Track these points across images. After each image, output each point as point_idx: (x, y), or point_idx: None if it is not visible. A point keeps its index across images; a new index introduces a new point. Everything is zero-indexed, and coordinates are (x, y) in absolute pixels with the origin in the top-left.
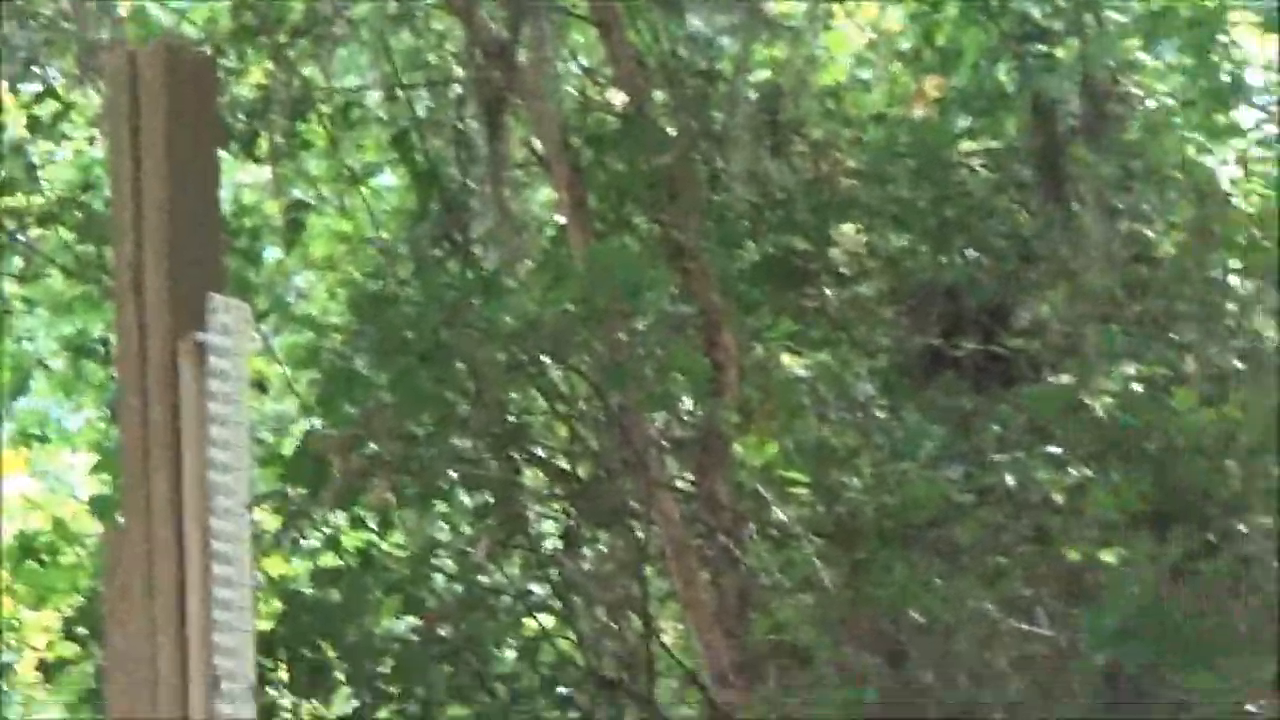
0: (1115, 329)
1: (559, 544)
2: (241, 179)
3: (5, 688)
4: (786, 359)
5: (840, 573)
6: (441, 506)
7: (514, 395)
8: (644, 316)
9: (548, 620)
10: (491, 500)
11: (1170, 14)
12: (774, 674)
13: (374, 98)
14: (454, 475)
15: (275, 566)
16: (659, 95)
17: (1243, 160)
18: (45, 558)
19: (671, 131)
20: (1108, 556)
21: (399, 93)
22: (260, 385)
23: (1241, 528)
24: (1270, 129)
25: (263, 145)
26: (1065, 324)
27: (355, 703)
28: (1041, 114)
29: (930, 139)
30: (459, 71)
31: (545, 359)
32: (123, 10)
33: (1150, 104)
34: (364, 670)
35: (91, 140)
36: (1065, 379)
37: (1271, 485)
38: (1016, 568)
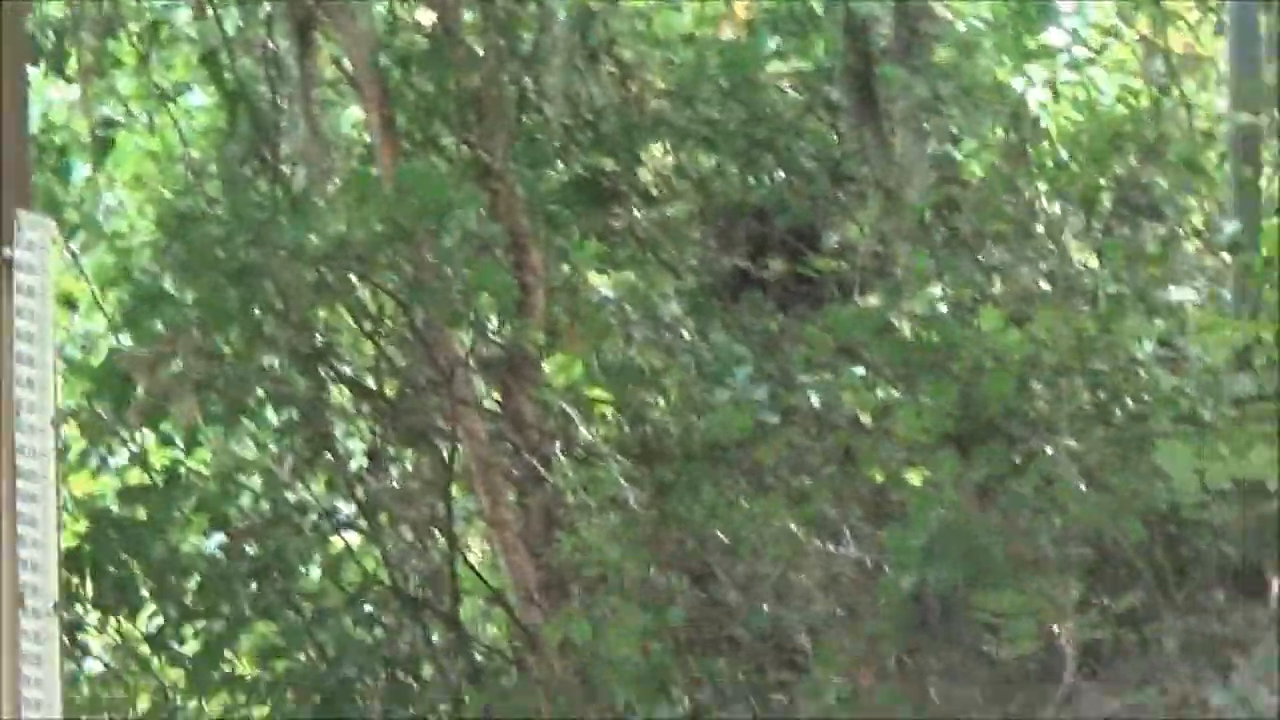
0: (924, 250)
1: (365, 462)
2: (51, 96)
3: None
4: (594, 279)
5: (646, 493)
6: (248, 424)
7: (321, 314)
8: (451, 236)
9: (353, 538)
10: (298, 418)
11: None
12: (579, 593)
13: (183, 16)
14: (261, 393)
15: (82, 484)
16: (468, 15)
17: (1052, 83)
18: None
19: (480, 51)
20: (913, 477)
21: (209, 11)
22: (68, 302)
23: (1047, 449)
24: (1079, 51)
25: (72, 63)
26: (874, 245)
27: (161, 619)
28: (852, 35)
29: (740, 60)
30: None
31: (353, 278)
32: None
33: (961, 26)
34: (170, 587)
35: None
36: (873, 300)
37: (1077, 406)
38: (822, 488)
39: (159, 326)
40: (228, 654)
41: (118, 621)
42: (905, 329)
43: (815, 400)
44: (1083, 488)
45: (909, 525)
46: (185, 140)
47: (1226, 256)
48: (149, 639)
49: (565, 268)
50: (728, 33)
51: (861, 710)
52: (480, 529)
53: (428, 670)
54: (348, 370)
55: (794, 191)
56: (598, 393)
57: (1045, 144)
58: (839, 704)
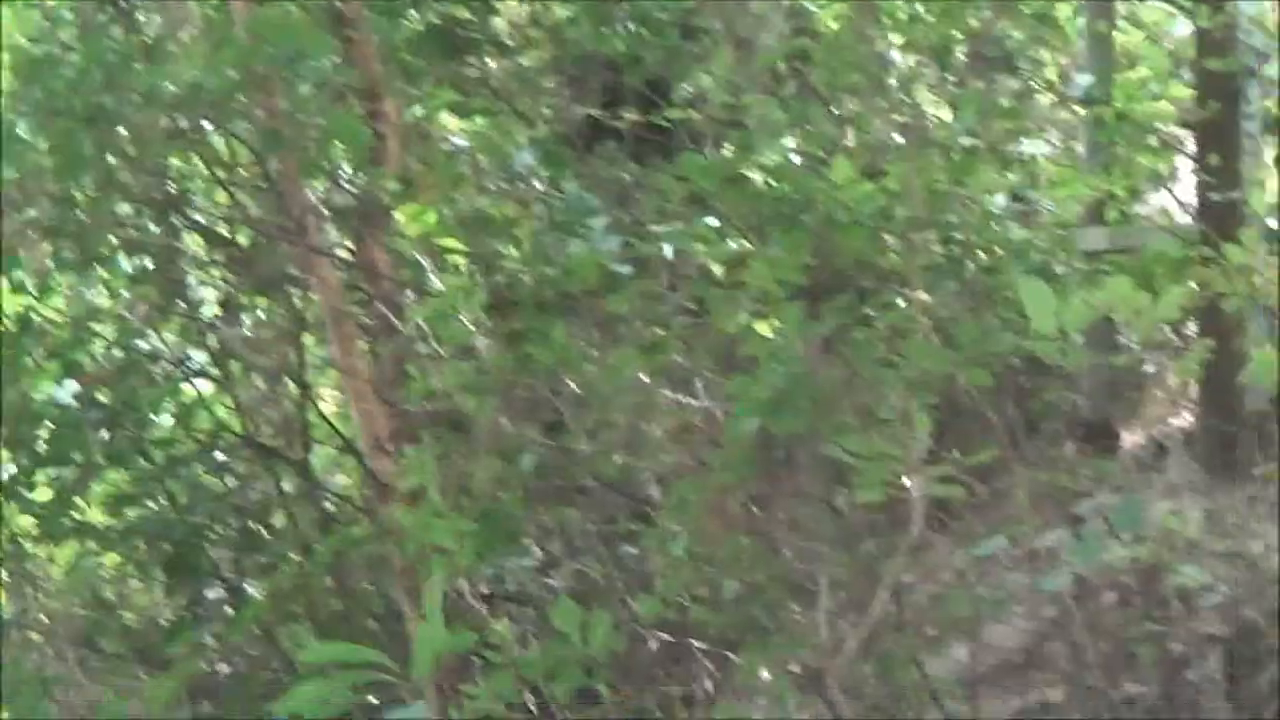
0: (776, 101)
1: (217, 310)
2: None
3: None
4: (447, 128)
5: (498, 342)
6: (101, 271)
7: (174, 161)
8: (305, 83)
9: (205, 386)
10: (151, 266)
11: None
12: (430, 442)
13: None
14: (114, 240)
15: None
16: None
17: None
18: None
19: None
20: (763, 328)
21: None
22: None
23: (899, 301)
24: None
25: None
26: (726, 96)
27: (12, 468)
28: None
29: None
30: None
31: (206, 125)
32: None
33: None
34: (21, 434)
35: None
36: (725, 151)
37: (928, 259)
38: (673, 339)
39: (10, 171)
40: (79, 502)
41: None
42: (757, 180)
43: (668, 251)
44: (933, 340)
45: (756, 376)
46: None
47: (1079, 110)
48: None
49: (419, 117)
50: None
51: (710, 560)
52: (332, 377)
53: (279, 519)
54: (200, 218)
55: (646, 43)
56: (450, 242)
57: None
58: (687, 554)
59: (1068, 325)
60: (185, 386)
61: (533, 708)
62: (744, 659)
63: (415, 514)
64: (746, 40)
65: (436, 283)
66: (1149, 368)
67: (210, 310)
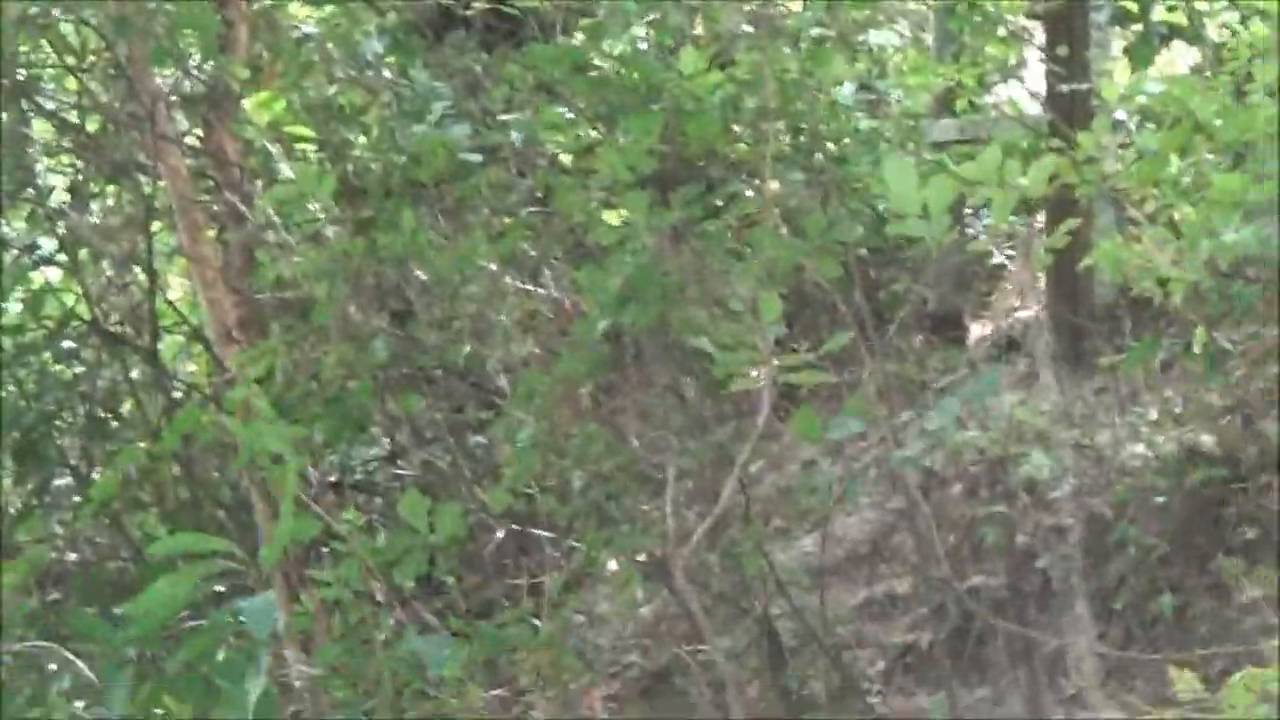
0: None
1: (66, 197)
2: None
3: None
4: (296, 16)
5: (347, 229)
6: None
7: (23, 48)
8: None
9: (54, 274)
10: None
11: None
12: (278, 330)
13: None
14: None
15: None
16: None
17: None
18: None
19: None
20: (612, 218)
21: None
22: None
23: (748, 192)
24: None
25: None
26: None
27: None
28: None
29: None
30: None
31: (55, 12)
32: None
33: None
34: None
35: None
36: (575, 40)
37: (777, 149)
38: (521, 227)
39: None
40: None
41: None
42: (606, 68)
43: (516, 139)
44: (782, 230)
45: (605, 265)
46: None
47: (929, 0)
48: None
49: (268, 4)
50: None
51: (558, 450)
52: (181, 265)
53: (127, 406)
54: (50, 105)
55: None
56: (299, 130)
57: None
58: (535, 444)
59: (931, 203)
60: (34, 274)
61: (380, 596)
62: (590, 548)
63: (248, 424)
64: None
65: (286, 170)
66: (998, 259)
67: (59, 197)
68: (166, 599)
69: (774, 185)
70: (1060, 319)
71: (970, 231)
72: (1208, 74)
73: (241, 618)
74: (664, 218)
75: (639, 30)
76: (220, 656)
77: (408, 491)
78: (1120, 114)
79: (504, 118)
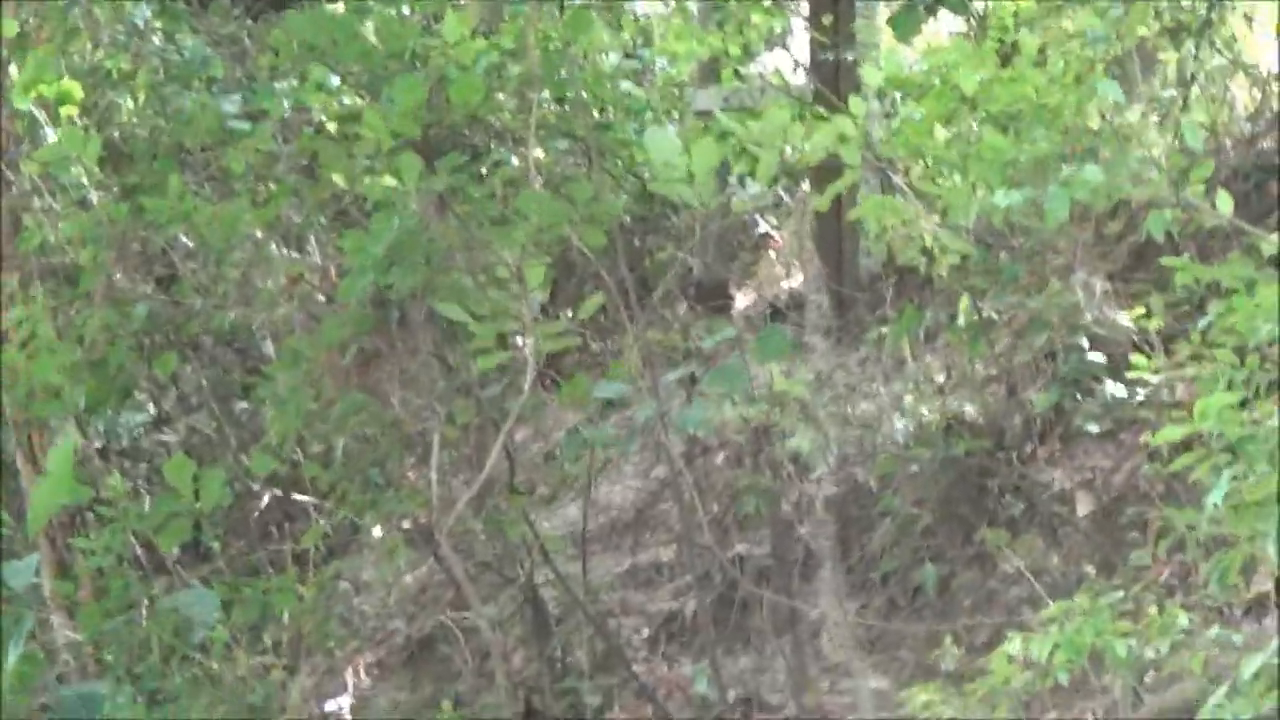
0: None
1: None
2: None
3: None
4: None
5: (112, 195)
6: None
7: None
8: None
9: None
10: None
11: None
12: (43, 293)
13: None
14: None
15: None
16: None
17: None
18: None
19: None
20: (376, 185)
21: None
22: None
23: (512, 159)
24: None
25: None
26: None
27: None
28: None
29: None
30: None
31: None
32: None
33: None
34: None
35: None
36: (340, 7)
37: (542, 116)
38: (285, 193)
39: None
40: None
41: None
42: (370, 35)
43: (284, 106)
44: (546, 196)
45: (369, 232)
46: None
47: None
48: None
49: None
50: None
51: (322, 416)
52: None
53: None
54: None
55: None
56: (66, 93)
57: None
58: (299, 410)
59: (695, 168)
60: None
61: (145, 562)
62: (355, 514)
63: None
64: None
65: (51, 135)
66: (762, 229)
67: None
68: None
69: (538, 153)
70: (825, 289)
71: (734, 200)
72: (972, 44)
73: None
74: (430, 183)
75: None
76: None
77: (173, 457)
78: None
79: (270, 85)
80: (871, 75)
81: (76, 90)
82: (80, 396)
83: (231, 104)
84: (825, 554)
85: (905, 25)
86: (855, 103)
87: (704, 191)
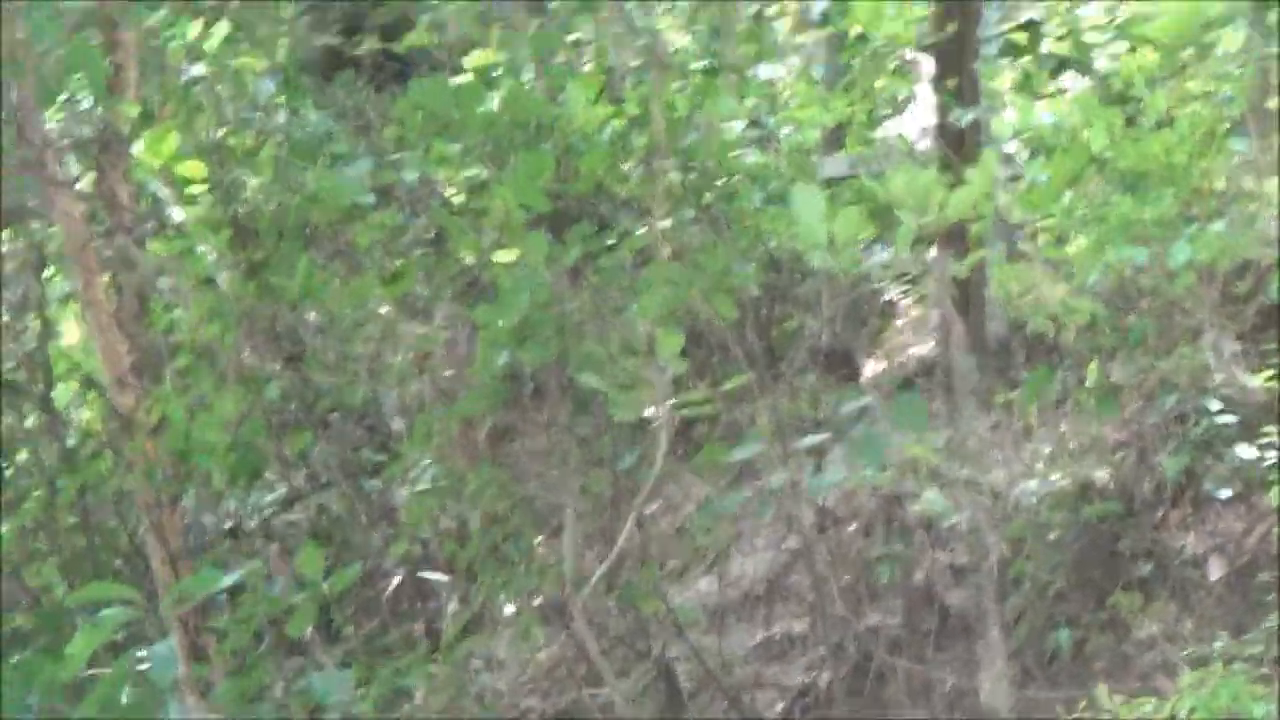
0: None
1: None
2: None
3: None
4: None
5: (239, 272)
6: None
7: None
8: (41, 11)
9: None
10: None
11: None
12: (172, 375)
13: None
14: None
15: None
16: None
17: None
18: None
19: None
20: (505, 257)
21: None
22: None
23: (639, 229)
24: None
25: None
26: (466, 23)
27: None
28: None
29: None
30: None
31: None
32: None
33: None
34: None
35: None
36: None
37: (668, 185)
38: (414, 267)
39: None
40: None
41: None
42: (496, 103)
43: (409, 179)
44: (677, 267)
45: (500, 305)
46: None
47: (818, 32)
48: None
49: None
50: None
51: (455, 492)
52: (74, 311)
53: (22, 454)
54: None
55: None
56: (190, 171)
57: None
58: (433, 487)
59: (838, 234)
60: None
61: (278, 643)
62: (488, 592)
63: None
64: None
65: (177, 214)
66: (890, 296)
67: None
68: (84, 650)
69: (665, 223)
70: (954, 355)
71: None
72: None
73: (144, 665)
74: (560, 255)
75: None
76: (125, 703)
77: (305, 546)
78: (1009, 147)
79: (395, 156)
80: (1002, 127)
81: (200, 168)
82: (214, 478)
83: (357, 178)
84: (990, 620)
85: (1030, 86)
86: (988, 156)
87: (846, 259)
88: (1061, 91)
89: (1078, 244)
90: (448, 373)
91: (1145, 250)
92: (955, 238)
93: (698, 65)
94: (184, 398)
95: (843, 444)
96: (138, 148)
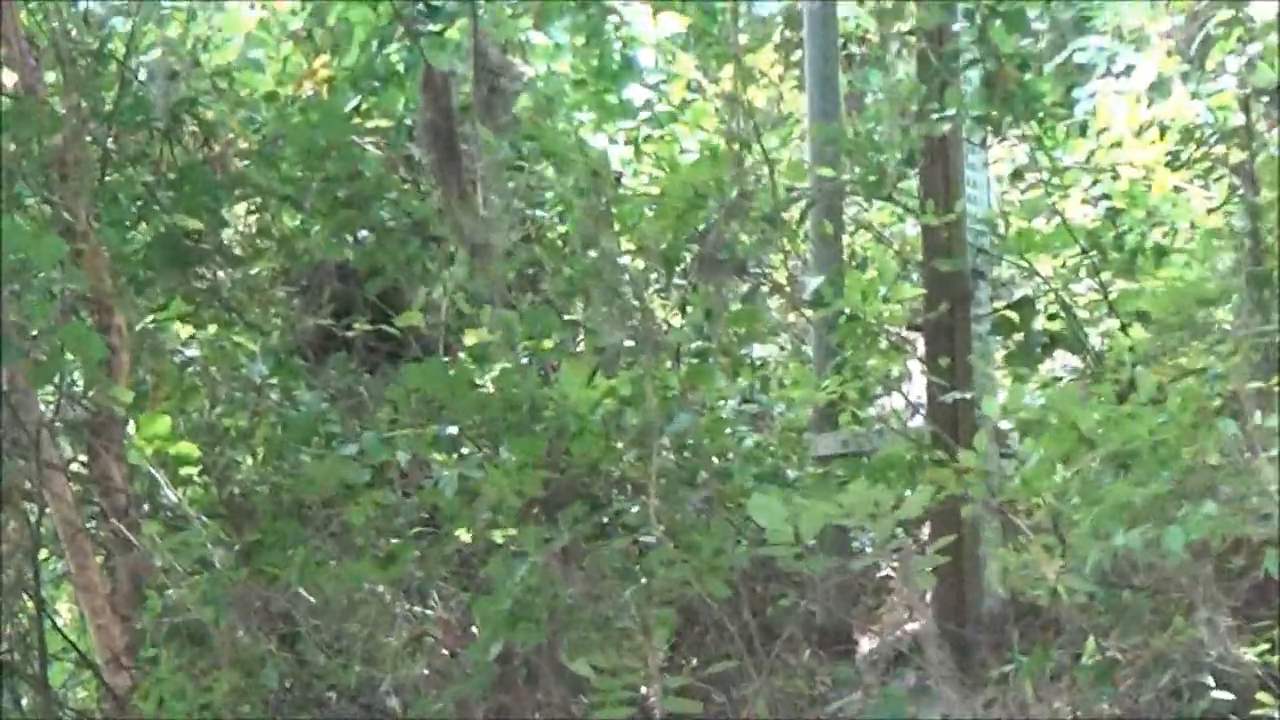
0: (507, 312)
1: None
2: None
3: None
4: (179, 336)
5: (233, 554)
6: None
7: None
8: (34, 294)
9: None
10: None
11: None
12: (168, 656)
13: None
14: None
15: None
16: (50, 75)
17: (634, 140)
18: None
19: (62, 111)
20: (499, 537)
21: None
22: None
23: (633, 509)
24: (661, 108)
25: None
26: (462, 303)
27: None
28: (432, 92)
29: (322, 119)
30: None
31: None
32: None
33: (541, 83)
34: None
35: None
36: (459, 358)
37: (661, 465)
38: (409, 549)
39: None
40: None
41: None
42: (489, 385)
43: (402, 459)
44: (669, 547)
45: (494, 589)
46: None
47: (809, 312)
48: None
49: (151, 328)
50: (308, 90)
51: None
52: (69, 592)
53: None
54: None
55: (385, 251)
56: (183, 454)
57: (627, 202)
58: None
59: (803, 533)
60: None
61: None
62: None
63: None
64: (479, 246)
65: (171, 495)
66: (884, 572)
67: None
68: None
69: (658, 502)
70: (948, 631)
71: (856, 545)
72: (1089, 381)
73: None
74: (553, 539)
75: (520, 349)
76: None
77: None
78: (1003, 424)
79: (389, 435)
80: (990, 406)
81: (194, 449)
82: None
83: (350, 457)
84: None
85: (1022, 364)
86: (979, 438)
87: (816, 563)
88: (1056, 380)
89: (1072, 522)
90: (442, 653)
91: (1139, 536)
92: (950, 513)
93: (690, 345)
94: (179, 679)
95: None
96: (131, 429)
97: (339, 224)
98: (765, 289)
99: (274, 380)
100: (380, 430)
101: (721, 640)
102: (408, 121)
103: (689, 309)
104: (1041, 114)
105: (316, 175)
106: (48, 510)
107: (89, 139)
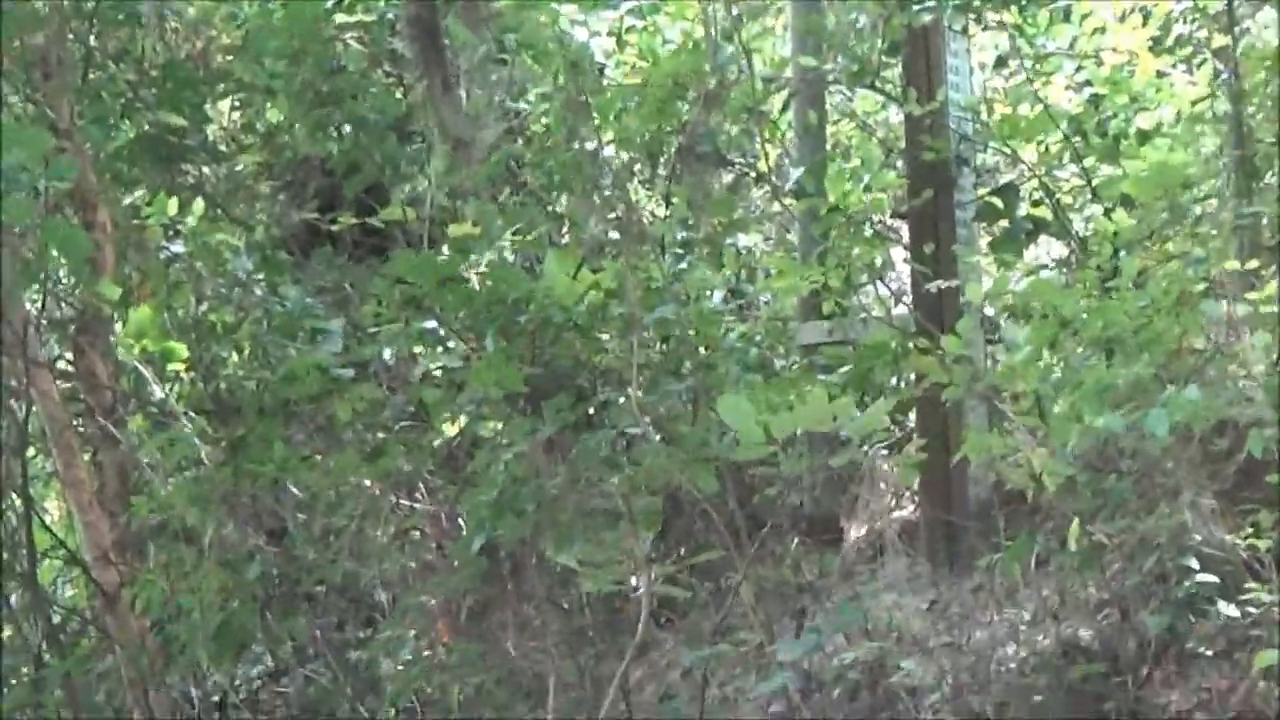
0: (490, 204)
1: None
2: None
3: None
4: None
5: (220, 450)
6: None
7: None
8: (19, 191)
9: None
10: None
11: None
12: (155, 552)
13: None
14: None
15: None
16: None
17: (615, 32)
18: None
19: (44, 10)
20: (484, 431)
21: None
22: None
23: (619, 400)
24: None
25: None
26: (443, 198)
27: None
28: None
29: (304, 14)
30: None
31: None
32: None
33: None
34: None
35: None
36: (443, 252)
37: (645, 357)
38: (396, 444)
39: None
40: None
41: None
42: (473, 279)
43: (387, 355)
44: (654, 438)
45: (478, 482)
46: None
47: (793, 202)
48: None
49: (136, 224)
50: None
51: (438, 664)
52: (56, 490)
53: (7, 632)
54: None
55: (362, 148)
56: (171, 349)
57: (608, 94)
58: (416, 660)
59: (775, 435)
60: None
61: None
62: None
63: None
64: (463, 141)
65: (158, 391)
66: (871, 461)
67: None
68: None
69: (641, 394)
70: (935, 519)
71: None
72: (1073, 267)
73: None
74: (538, 430)
75: (504, 242)
76: None
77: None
78: (987, 310)
79: (374, 331)
80: (974, 291)
81: (180, 347)
82: (199, 655)
83: (334, 354)
84: None
85: (1007, 250)
86: (964, 324)
87: (791, 462)
88: (1041, 267)
89: (1055, 407)
90: (429, 546)
91: (1121, 420)
92: (935, 404)
93: (674, 235)
94: (167, 575)
95: (823, 617)
96: (118, 326)
97: (319, 120)
98: (750, 179)
99: (260, 275)
100: (365, 325)
101: (709, 530)
102: (390, 16)
103: (673, 200)
104: (1024, 0)
105: (299, 70)
106: (35, 408)
107: (71, 37)
